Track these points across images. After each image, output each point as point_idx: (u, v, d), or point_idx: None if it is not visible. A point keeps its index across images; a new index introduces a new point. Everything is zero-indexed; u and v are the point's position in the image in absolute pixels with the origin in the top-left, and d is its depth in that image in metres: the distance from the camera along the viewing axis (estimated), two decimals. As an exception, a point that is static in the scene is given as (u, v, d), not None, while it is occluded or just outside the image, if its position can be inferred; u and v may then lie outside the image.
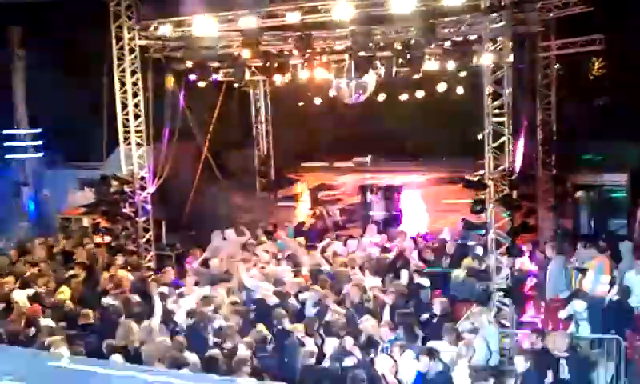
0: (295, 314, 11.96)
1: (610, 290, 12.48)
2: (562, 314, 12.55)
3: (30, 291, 13.62)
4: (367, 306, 12.35)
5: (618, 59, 18.42)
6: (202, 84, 17.35)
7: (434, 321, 11.63)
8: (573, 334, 11.60)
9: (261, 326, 11.07)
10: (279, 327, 11.13)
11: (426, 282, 13.66)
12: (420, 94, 18.49)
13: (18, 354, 10.55)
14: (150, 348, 10.40)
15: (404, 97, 18.79)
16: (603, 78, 18.69)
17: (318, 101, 18.88)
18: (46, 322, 12.08)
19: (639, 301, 12.44)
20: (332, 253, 15.83)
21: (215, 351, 10.22)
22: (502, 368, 10.95)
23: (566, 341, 10.37)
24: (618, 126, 18.48)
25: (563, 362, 10.06)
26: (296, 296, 12.78)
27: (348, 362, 9.82)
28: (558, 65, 17.96)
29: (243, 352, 10.11)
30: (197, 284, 13.86)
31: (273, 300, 12.34)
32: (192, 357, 10.08)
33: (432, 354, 9.70)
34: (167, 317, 12.14)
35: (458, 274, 13.97)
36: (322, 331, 11.29)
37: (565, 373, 9.93)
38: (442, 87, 17.74)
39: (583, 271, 13.17)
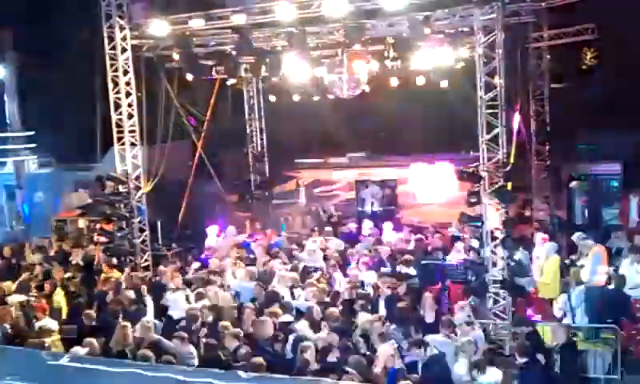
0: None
1: (606, 280, 12.53)
2: (556, 310, 12.63)
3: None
4: (361, 301, 12.41)
5: (611, 48, 18.40)
6: (194, 82, 17.35)
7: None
8: (569, 324, 11.66)
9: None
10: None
11: (412, 271, 13.74)
12: (413, 87, 18.44)
13: (17, 353, 10.61)
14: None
15: (397, 91, 18.75)
16: (596, 67, 18.67)
17: (311, 96, 18.81)
18: (47, 322, 12.10)
19: (635, 290, 12.48)
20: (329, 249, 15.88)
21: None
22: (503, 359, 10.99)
23: (564, 332, 10.44)
24: (610, 115, 18.51)
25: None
26: (291, 292, 12.81)
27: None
28: (549, 55, 17.97)
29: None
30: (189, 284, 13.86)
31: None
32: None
33: (421, 344, 9.80)
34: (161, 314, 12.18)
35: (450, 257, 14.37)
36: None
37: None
38: (435, 80, 17.72)
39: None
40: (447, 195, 19.76)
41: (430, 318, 11.53)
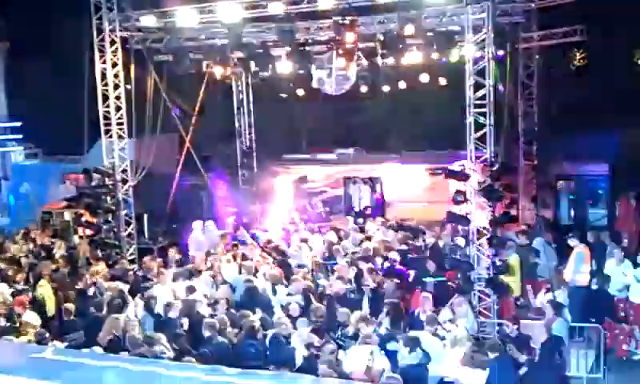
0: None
1: (590, 280, 12.60)
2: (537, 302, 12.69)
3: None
4: (351, 296, 12.42)
5: (599, 50, 18.51)
6: (184, 76, 17.29)
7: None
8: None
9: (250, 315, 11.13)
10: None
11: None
12: (402, 85, 18.46)
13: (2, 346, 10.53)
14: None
15: (386, 88, 18.74)
16: (584, 68, 18.78)
17: (300, 92, 18.79)
18: (30, 315, 12.02)
19: (618, 289, 12.57)
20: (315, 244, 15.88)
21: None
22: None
23: (546, 330, 10.47)
24: (599, 116, 18.60)
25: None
26: (273, 288, 12.82)
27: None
28: (539, 56, 18.01)
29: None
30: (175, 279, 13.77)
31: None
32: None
33: (413, 343, 9.77)
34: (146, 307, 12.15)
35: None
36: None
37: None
38: (424, 78, 17.75)
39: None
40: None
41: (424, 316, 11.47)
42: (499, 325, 12.32)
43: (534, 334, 10.47)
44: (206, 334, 10.42)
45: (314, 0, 14.04)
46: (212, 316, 11.26)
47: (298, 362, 9.66)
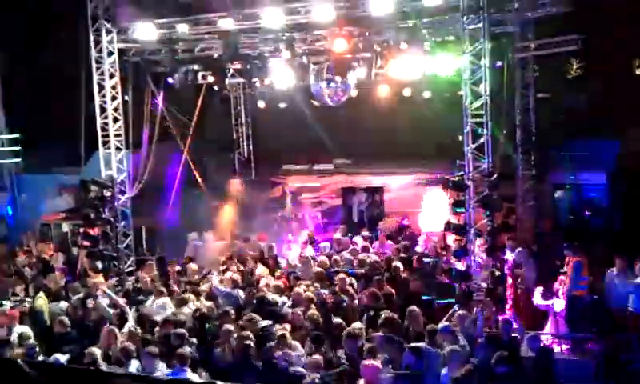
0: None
1: (588, 289, 12.57)
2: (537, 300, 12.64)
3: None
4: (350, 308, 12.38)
5: (596, 59, 18.51)
6: (181, 87, 17.30)
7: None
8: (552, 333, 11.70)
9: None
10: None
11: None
12: (400, 95, 18.49)
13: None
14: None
15: (383, 98, 18.76)
16: (581, 77, 18.77)
17: (298, 103, 18.80)
18: (22, 328, 11.97)
19: (618, 300, 12.53)
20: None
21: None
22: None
23: (537, 341, 10.47)
24: (596, 125, 18.60)
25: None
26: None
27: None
28: (535, 65, 18.01)
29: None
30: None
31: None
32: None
33: (419, 354, 9.72)
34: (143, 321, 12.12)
35: None
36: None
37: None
38: (421, 88, 17.78)
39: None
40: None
41: (418, 328, 11.41)
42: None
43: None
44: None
45: (310, 11, 14.04)
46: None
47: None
